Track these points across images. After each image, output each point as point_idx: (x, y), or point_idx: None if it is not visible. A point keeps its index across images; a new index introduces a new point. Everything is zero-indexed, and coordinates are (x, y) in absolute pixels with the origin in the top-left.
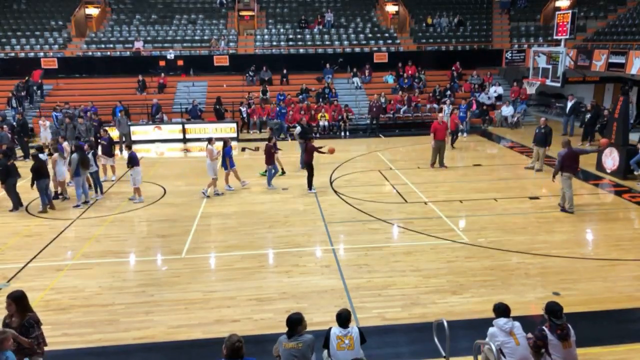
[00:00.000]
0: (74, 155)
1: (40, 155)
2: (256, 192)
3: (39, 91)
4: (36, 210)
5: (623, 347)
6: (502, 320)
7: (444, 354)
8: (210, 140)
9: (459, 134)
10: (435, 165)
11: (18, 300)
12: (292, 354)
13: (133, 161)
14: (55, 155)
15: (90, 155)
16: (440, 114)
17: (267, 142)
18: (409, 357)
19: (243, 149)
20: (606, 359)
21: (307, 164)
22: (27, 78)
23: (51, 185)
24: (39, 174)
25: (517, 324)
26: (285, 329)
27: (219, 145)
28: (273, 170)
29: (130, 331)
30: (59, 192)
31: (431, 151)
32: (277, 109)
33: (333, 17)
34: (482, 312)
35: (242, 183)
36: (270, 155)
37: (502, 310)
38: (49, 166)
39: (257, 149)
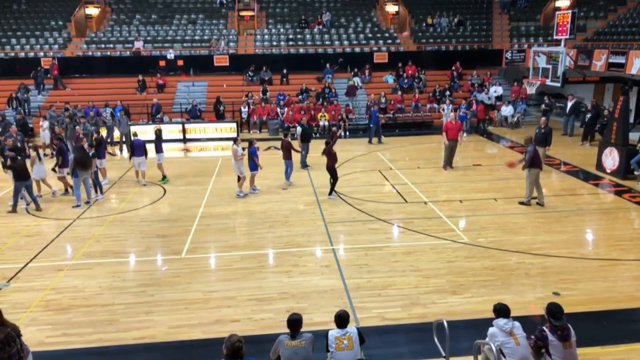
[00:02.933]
0: (71, 156)
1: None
2: (256, 193)
3: (55, 83)
4: (36, 210)
5: (623, 347)
6: (502, 321)
7: (444, 354)
8: (235, 140)
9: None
10: (447, 167)
11: None
12: (295, 351)
13: (133, 150)
14: (34, 154)
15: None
16: (452, 114)
17: (283, 138)
18: (409, 357)
19: (243, 149)
20: (606, 359)
21: (330, 169)
22: (39, 68)
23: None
24: (17, 174)
25: (517, 324)
26: (285, 329)
27: (243, 144)
28: (290, 169)
29: (130, 331)
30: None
31: (443, 151)
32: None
33: (331, 17)
34: (482, 312)
35: (253, 189)
36: (288, 151)
37: (502, 310)
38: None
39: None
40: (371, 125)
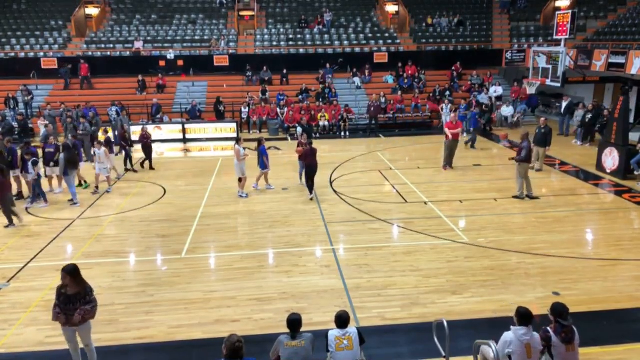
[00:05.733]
0: (61, 155)
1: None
2: (256, 192)
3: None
4: (37, 209)
5: (623, 347)
6: (521, 330)
7: (444, 354)
8: (238, 141)
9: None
10: (447, 167)
11: (72, 274)
12: (295, 351)
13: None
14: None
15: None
16: (452, 114)
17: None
18: (409, 357)
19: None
20: (606, 359)
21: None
22: (66, 64)
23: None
24: None
25: (535, 336)
26: (285, 329)
27: (247, 144)
28: (301, 169)
29: (130, 331)
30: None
31: (443, 151)
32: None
33: (332, 16)
34: (482, 312)
35: (267, 186)
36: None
37: (526, 317)
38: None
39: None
40: (472, 129)
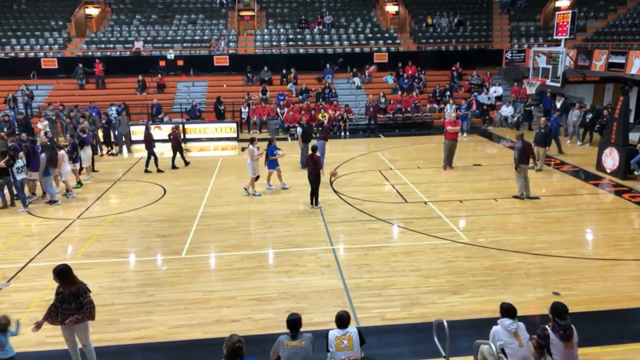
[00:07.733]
0: (42, 154)
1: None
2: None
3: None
4: (37, 210)
5: (623, 347)
6: (507, 321)
7: (444, 354)
8: (252, 141)
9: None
10: (447, 167)
11: (61, 275)
12: (295, 351)
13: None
14: (20, 154)
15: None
16: (453, 114)
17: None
18: (409, 357)
19: (243, 149)
20: (606, 359)
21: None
22: (81, 65)
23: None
24: None
25: (521, 325)
26: (285, 329)
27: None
28: None
29: (130, 331)
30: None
31: (443, 151)
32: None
33: (332, 18)
34: (482, 312)
35: (282, 185)
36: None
37: (509, 311)
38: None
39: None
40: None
